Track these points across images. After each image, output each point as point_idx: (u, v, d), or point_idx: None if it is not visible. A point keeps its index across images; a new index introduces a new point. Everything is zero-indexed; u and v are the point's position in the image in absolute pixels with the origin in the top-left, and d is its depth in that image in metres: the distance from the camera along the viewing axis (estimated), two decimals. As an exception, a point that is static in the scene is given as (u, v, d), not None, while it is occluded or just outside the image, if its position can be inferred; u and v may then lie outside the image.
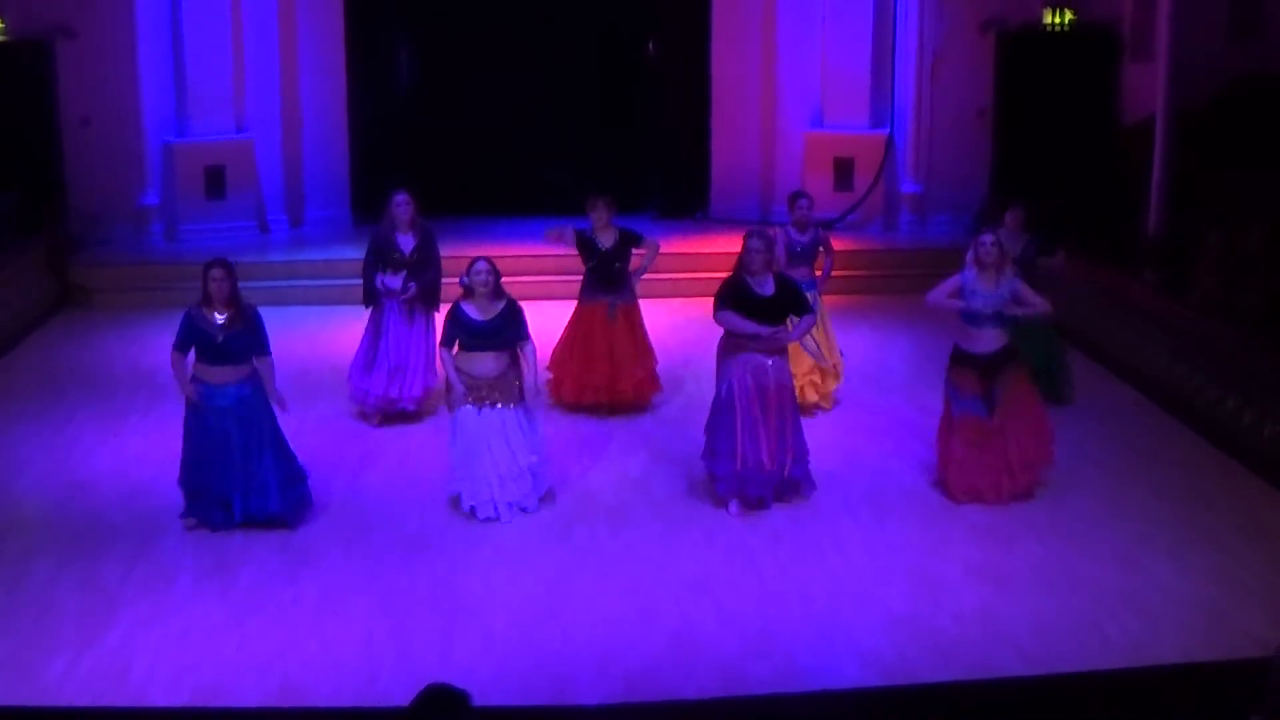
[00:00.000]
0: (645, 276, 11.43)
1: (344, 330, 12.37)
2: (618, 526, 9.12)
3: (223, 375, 8.86)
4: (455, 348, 9.11)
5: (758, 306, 9.02)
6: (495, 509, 9.11)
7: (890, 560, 8.65)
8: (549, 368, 11.29)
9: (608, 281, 11.04)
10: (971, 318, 9.26)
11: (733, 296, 9.08)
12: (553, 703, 7.03)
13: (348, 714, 6.99)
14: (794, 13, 16.78)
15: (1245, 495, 9.59)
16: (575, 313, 11.30)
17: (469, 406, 9.02)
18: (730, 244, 9.43)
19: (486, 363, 9.05)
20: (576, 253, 11.18)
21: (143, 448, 10.41)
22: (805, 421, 10.10)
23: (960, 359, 9.36)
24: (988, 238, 9.28)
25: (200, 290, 8.85)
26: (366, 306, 10.97)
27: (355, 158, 16.94)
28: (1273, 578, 8.25)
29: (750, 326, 8.99)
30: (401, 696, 5.03)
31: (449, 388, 9.23)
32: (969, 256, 9.33)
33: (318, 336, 13.34)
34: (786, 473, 9.25)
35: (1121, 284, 12.77)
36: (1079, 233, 13.79)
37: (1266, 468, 9.80)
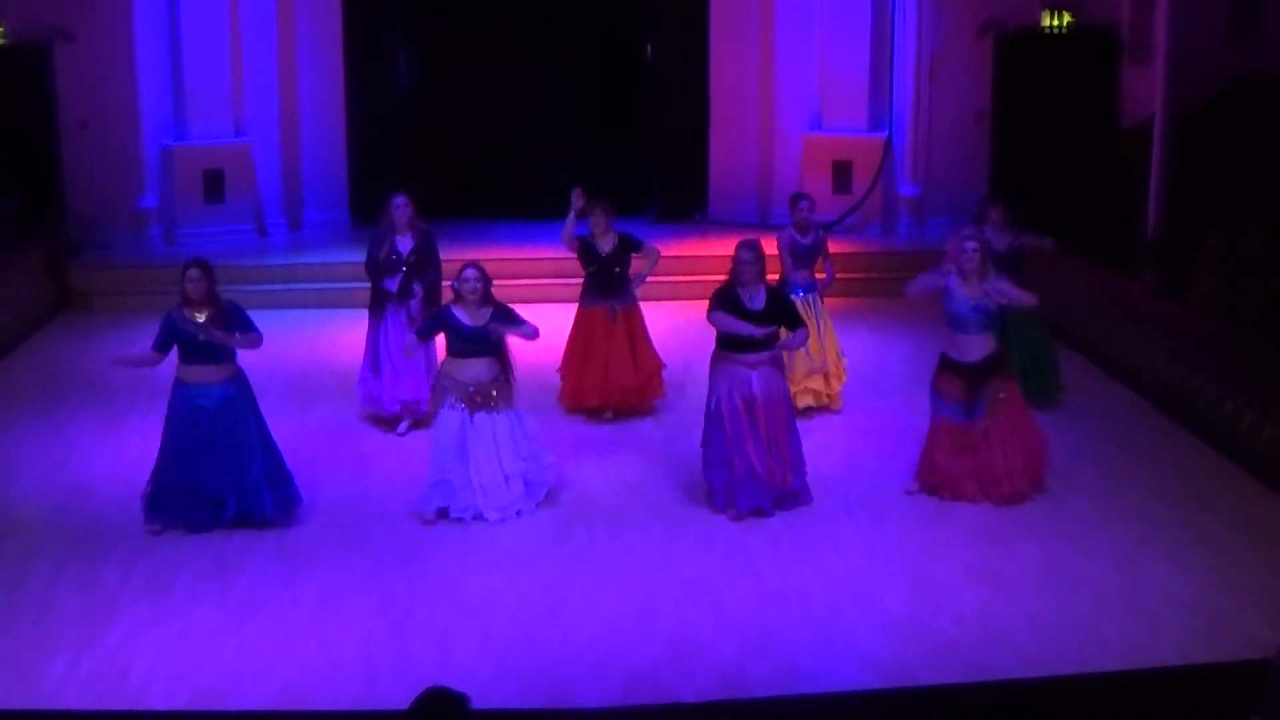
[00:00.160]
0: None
1: (343, 334, 12.39)
2: (617, 529, 9.12)
3: (206, 375, 8.87)
4: (445, 353, 9.16)
5: (748, 319, 9.00)
6: (477, 513, 9.11)
7: (889, 562, 8.66)
8: (558, 371, 11.30)
9: (608, 286, 11.05)
10: (958, 323, 9.26)
11: (725, 305, 9.08)
12: (551, 705, 7.02)
13: (347, 716, 6.99)
14: (792, 15, 16.80)
15: (1244, 497, 9.59)
16: (576, 317, 11.31)
17: (455, 410, 9.02)
18: (729, 247, 9.41)
19: (477, 368, 9.07)
20: (575, 256, 11.19)
21: (142, 450, 10.36)
22: (803, 424, 10.12)
23: (948, 367, 9.37)
24: (970, 245, 9.28)
25: (179, 291, 8.86)
26: (374, 312, 10.92)
27: (354, 160, 16.95)
28: (1271, 579, 8.25)
29: (744, 327, 8.97)
30: (400, 699, 5.04)
31: (436, 390, 9.24)
32: (949, 255, 9.34)
33: (316, 340, 13.34)
34: (785, 485, 9.23)
35: (1121, 285, 12.77)
36: (1078, 234, 13.80)
37: (1266, 469, 9.79)
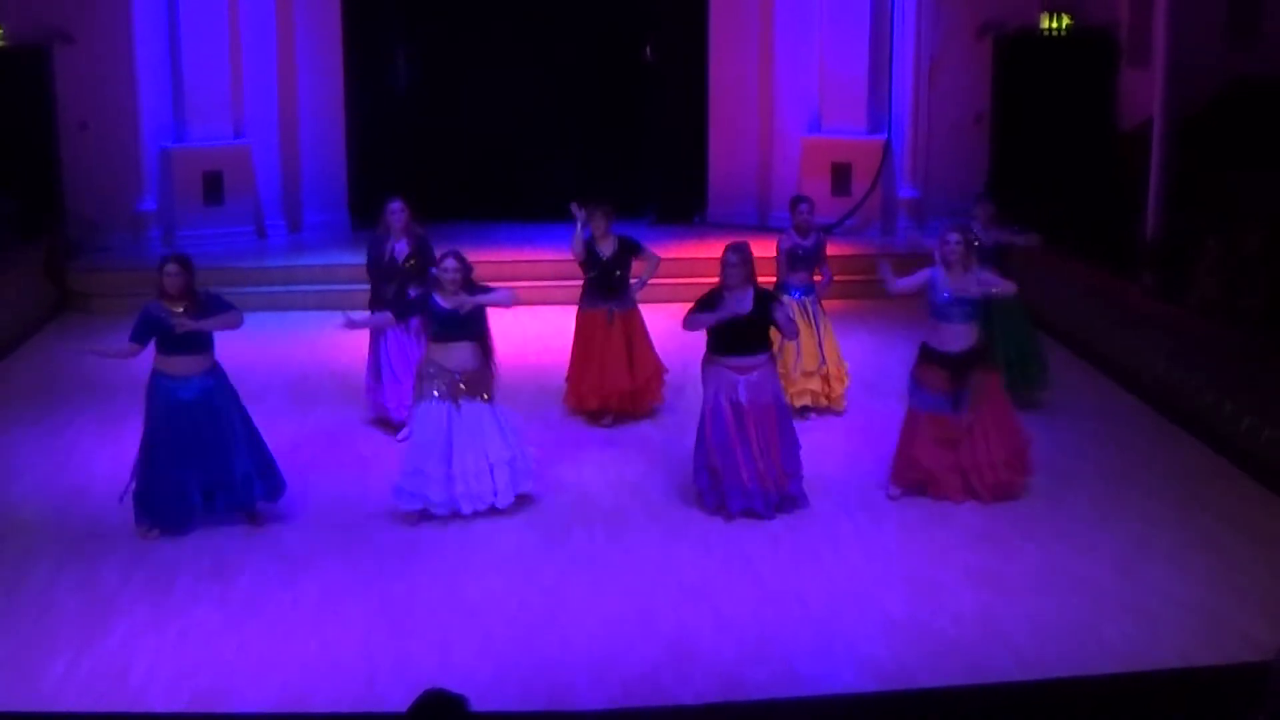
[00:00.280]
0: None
1: (342, 336, 12.36)
2: (616, 531, 9.12)
3: (185, 366, 8.87)
4: (428, 339, 9.22)
5: (736, 324, 9.00)
6: (455, 505, 9.11)
7: (888, 564, 8.66)
8: (566, 376, 11.33)
9: (608, 290, 11.05)
10: (941, 312, 9.30)
11: (704, 310, 9.08)
12: (550, 707, 7.02)
13: (346, 718, 6.98)
14: (792, 17, 16.81)
15: (1244, 499, 9.59)
16: (577, 320, 11.31)
17: (441, 404, 9.02)
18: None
19: (462, 354, 9.07)
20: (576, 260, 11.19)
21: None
22: (802, 424, 10.13)
23: (930, 357, 9.38)
24: (953, 236, 9.35)
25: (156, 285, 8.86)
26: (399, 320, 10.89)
27: (353, 162, 16.96)
28: (1271, 581, 8.25)
29: (710, 317, 8.96)
30: (399, 701, 5.04)
31: (420, 378, 9.23)
32: (936, 254, 9.39)
33: (316, 342, 13.34)
34: (781, 489, 9.21)
35: (1120, 287, 12.77)
36: (1078, 236, 13.81)
37: (1265, 471, 9.79)
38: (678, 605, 8.05)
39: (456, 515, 9.12)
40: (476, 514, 9.16)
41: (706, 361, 9.23)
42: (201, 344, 8.92)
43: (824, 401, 11.19)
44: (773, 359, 9.41)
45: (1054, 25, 16.39)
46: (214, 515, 8.98)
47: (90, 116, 15.65)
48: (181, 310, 8.78)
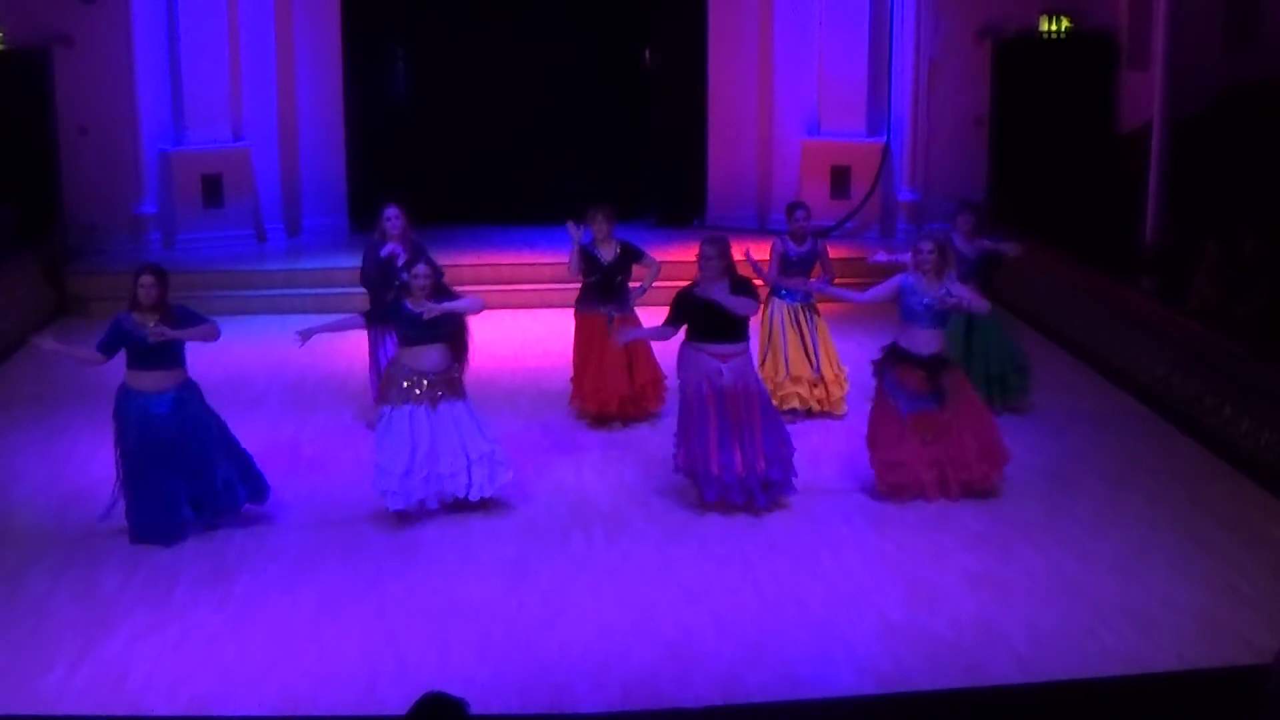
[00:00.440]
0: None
1: (342, 339, 12.33)
2: (615, 534, 9.11)
3: (155, 381, 8.79)
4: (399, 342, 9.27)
5: (711, 313, 9.00)
6: (435, 503, 9.13)
7: (886, 568, 8.66)
8: (571, 379, 11.35)
9: (607, 294, 11.04)
10: (911, 317, 9.35)
11: (681, 313, 9.18)
12: (550, 711, 7.02)
13: (345, 722, 6.99)
14: (791, 21, 16.82)
15: (1243, 503, 9.58)
16: (575, 324, 11.30)
17: (416, 408, 9.02)
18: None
19: (432, 356, 9.09)
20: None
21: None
22: (799, 428, 10.13)
23: (904, 357, 9.39)
24: (926, 244, 9.37)
25: (129, 295, 8.78)
26: (370, 324, 10.89)
27: (352, 165, 16.98)
28: (1271, 585, 8.25)
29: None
30: (399, 704, 5.03)
31: (387, 380, 9.23)
32: (909, 261, 9.42)
33: (315, 346, 13.26)
34: (762, 474, 9.20)
35: (1119, 292, 12.78)
36: (1076, 240, 13.81)
37: (1264, 475, 9.79)
38: (677, 608, 8.04)
39: (424, 509, 9.11)
40: (476, 515, 9.15)
41: (687, 349, 9.25)
42: (173, 358, 8.82)
43: (817, 406, 11.16)
44: (747, 350, 9.40)
45: (1053, 28, 16.40)
46: (204, 525, 8.96)
47: (90, 119, 15.67)
48: (153, 323, 8.69)
